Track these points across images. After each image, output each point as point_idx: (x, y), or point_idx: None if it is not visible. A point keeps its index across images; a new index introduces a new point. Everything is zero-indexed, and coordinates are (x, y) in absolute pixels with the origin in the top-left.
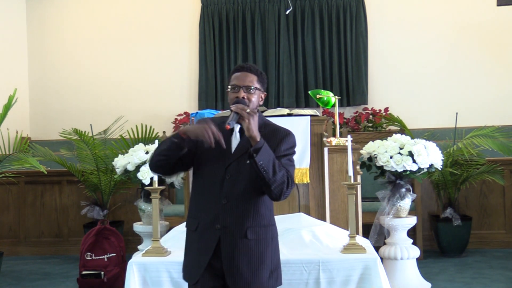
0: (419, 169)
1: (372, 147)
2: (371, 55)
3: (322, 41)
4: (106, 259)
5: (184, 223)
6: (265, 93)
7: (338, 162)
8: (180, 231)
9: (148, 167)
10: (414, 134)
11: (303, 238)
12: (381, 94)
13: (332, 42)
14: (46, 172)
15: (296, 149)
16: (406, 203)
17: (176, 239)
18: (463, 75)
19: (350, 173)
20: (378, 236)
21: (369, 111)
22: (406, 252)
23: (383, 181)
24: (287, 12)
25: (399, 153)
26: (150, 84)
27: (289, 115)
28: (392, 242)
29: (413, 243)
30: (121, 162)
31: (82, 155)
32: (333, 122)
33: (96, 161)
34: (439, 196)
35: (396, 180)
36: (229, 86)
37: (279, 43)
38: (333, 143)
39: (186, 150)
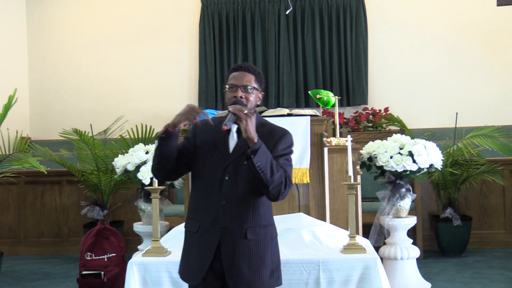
0: (419, 169)
1: (372, 147)
2: (371, 55)
3: (322, 41)
4: (106, 259)
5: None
6: (262, 93)
7: (338, 162)
8: (180, 231)
9: (151, 171)
10: (414, 134)
11: (303, 238)
12: (381, 94)
13: (332, 42)
14: (46, 172)
15: (296, 149)
16: (406, 203)
17: (176, 239)
18: (463, 75)
19: (350, 173)
20: (378, 236)
21: (369, 111)
22: (406, 252)
23: (383, 181)
24: (287, 12)
25: (399, 153)
26: (150, 84)
27: (289, 115)
28: (392, 242)
29: (413, 243)
30: (121, 162)
31: (82, 155)
32: (333, 122)
33: (96, 161)
34: (439, 196)
35: (396, 180)
36: (227, 86)
37: (279, 43)
38: (333, 143)
39: (176, 144)
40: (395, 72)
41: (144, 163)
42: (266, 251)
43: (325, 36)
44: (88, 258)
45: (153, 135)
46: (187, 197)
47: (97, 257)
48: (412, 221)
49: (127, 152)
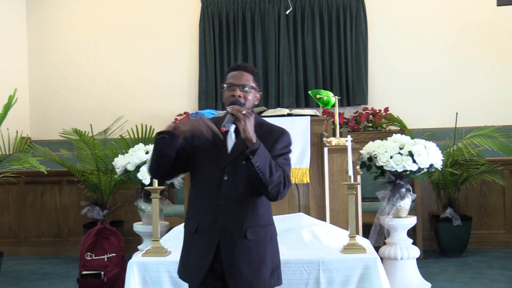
0: (419, 169)
1: (372, 147)
2: (371, 55)
3: (322, 41)
4: (106, 259)
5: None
6: (260, 93)
7: (338, 162)
8: (180, 231)
9: (147, 170)
10: (414, 134)
11: (303, 238)
12: (381, 94)
13: (332, 42)
14: (46, 172)
15: (296, 149)
16: (406, 203)
17: (176, 239)
18: (463, 75)
19: (350, 173)
20: (378, 236)
21: (369, 111)
22: (406, 252)
23: (383, 181)
24: (287, 12)
25: (399, 153)
26: (150, 84)
27: (289, 115)
28: (392, 242)
29: (413, 243)
30: (121, 162)
31: (82, 155)
32: (333, 122)
33: (96, 161)
34: (439, 196)
35: (396, 180)
36: (225, 85)
37: (279, 43)
38: (333, 143)
39: (178, 146)
40: (395, 72)
41: (144, 163)
42: (266, 250)
43: (325, 36)
44: (88, 258)
45: (153, 135)
46: (187, 197)
47: (97, 257)
48: (412, 221)
49: (127, 152)
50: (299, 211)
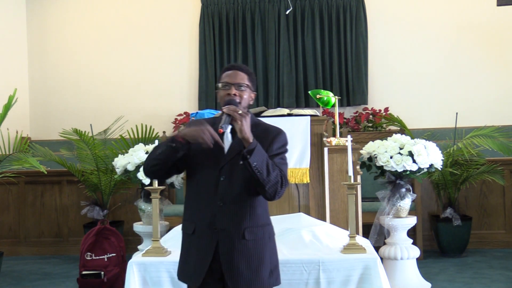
0: (419, 169)
1: (372, 147)
2: (371, 55)
3: (322, 41)
4: (106, 259)
5: None
6: (255, 92)
7: (338, 162)
8: (180, 231)
9: (143, 170)
10: (414, 134)
11: (303, 238)
12: (381, 94)
13: (332, 42)
14: (46, 172)
15: (296, 149)
16: (406, 203)
17: (176, 239)
18: (463, 75)
19: (350, 173)
20: (378, 236)
21: (369, 111)
22: (406, 252)
23: (383, 181)
24: (287, 12)
25: (399, 153)
26: (150, 84)
27: (289, 115)
28: (392, 242)
29: (413, 243)
30: (121, 162)
31: (82, 155)
32: (333, 122)
33: (96, 161)
34: (439, 196)
35: (396, 180)
36: (220, 84)
37: (279, 43)
38: (333, 143)
39: (181, 154)
40: (395, 72)
41: None
42: (264, 250)
43: (325, 36)
44: (88, 258)
45: (153, 135)
46: None
47: (97, 257)
48: (412, 221)
49: (127, 152)
50: (299, 211)
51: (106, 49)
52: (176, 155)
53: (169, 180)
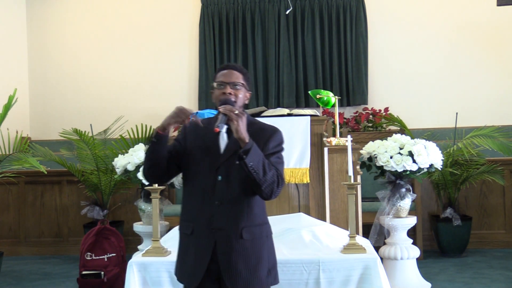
0: (419, 169)
1: (372, 147)
2: (371, 55)
3: (322, 41)
4: (106, 259)
5: None
6: (250, 92)
7: (338, 162)
8: None
9: (142, 175)
10: (414, 134)
11: (303, 238)
12: (381, 94)
13: (332, 42)
14: (46, 172)
15: (296, 149)
16: (406, 203)
17: (176, 239)
18: (463, 75)
19: (350, 173)
20: (378, 236)
21: (369, 111)
22: (406, 252)
23: (383, 181)
24: (287, 12)
25: (399, 153)
26: (150, 84)
27: (289, 115)
28: (392, 242)
29: (413, 243)
30: (121, 162)
31: (82, 155)
32: (333, 122)
33: (96, 161)
34: (439, 196)
35: (396, 180)
36: (215, 84)
37: (279, 43)
38: (333, 143)
39: (170, 147)
40: (395, 72)
41: None
42: (262, 250)
43: (325, 36)
44: (88, 258)
45: (150, 136)
46: None
47: (97, 257)
48: (412, 221)
49: (127, 152)
50: (299, 211)
51: (106, 49)
52: (161, 149)
53: None
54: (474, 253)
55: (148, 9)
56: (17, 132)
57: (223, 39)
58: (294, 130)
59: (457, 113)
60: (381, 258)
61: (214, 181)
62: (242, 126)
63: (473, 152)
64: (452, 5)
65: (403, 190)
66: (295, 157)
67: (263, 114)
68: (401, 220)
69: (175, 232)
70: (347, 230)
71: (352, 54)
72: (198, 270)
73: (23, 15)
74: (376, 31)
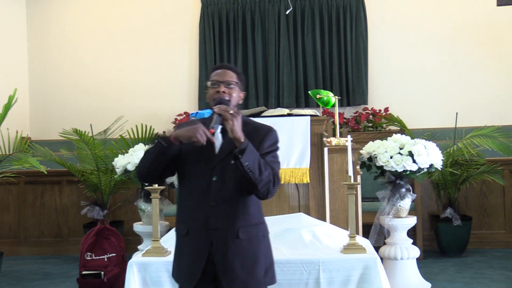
0: (419, 169)
1: (372, 147)
2: (371, 55)
3: (322, 41)
4: (106, 259)
5: None
6: (244, 92)
7: (338, 162)
8: None
9: (137, 174)
10: (414, 134)
11: (303, 238)
12: (381, 94)
13: (332, 42)
14: (46, 172)
15: (296, 149)
16: (406, 203)
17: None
18: (463, 75)
19: (350, 173)
20: (378, 236)
21: (369, 111)
22: (406, 252)
23: (383, 181)
24: (287, 12)
25: (399, 153)
26: (150, 84)
27: (289, 115)
28: (392, 242)
29: (413, 243)
30: (121, 162)
31: (82, 155)
32: (333, 122)
33: (96, 161)
34: (439, 196)
35: (396, 180)
36: (209, 83)
37: (279, 43)
38: (333, 143)
39: (170, 155)
40: (395, 72)
41: None
42: (258, 249)
43: (325, 36)
44: (88, 258)
45: (153, 135)
46: None
47: (97, 257)
48: (412, 221)
49: (127, 152)
50: (299, 211)
51: (106, 49)
52: (166, 155)
53: (169, 180)
54: (474, 253)
55: (148, 9)
56: (17, 132)
57: (223, 39)
58: (294, 130)
59: (457, 113)
60: (381, 258)
61: (209, 182)
62: (237, 126)
63: (473, 152)
64: (452, 5)
65: (403, 190)
66: (295, 157)
67: (263, 114)
68: (401, 220)
69: (174, 232)
70: (347, 230)
71: (352, 54)
72: (195, 271)
73: (23, 15)
74: (376, 31)
